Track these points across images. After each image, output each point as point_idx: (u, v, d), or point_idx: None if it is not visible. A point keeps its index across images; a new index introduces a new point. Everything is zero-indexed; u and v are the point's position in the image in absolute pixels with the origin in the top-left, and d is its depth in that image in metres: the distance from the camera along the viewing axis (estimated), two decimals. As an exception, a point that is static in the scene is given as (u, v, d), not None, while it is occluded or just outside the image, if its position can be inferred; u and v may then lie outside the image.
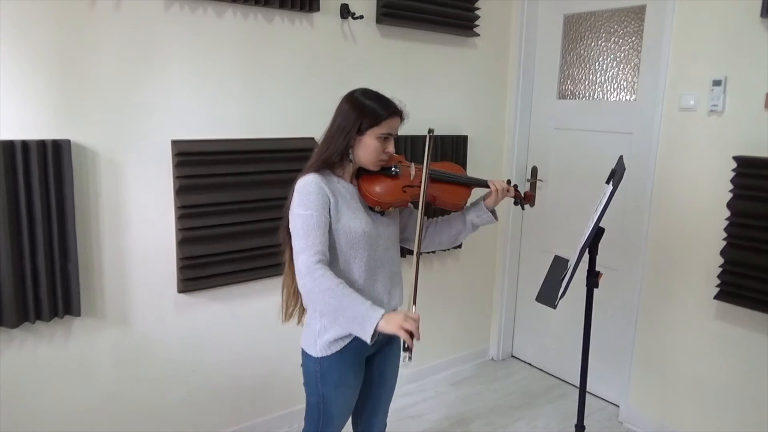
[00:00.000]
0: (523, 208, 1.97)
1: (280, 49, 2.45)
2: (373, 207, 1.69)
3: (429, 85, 2.97)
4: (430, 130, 1.72)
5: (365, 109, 1.60)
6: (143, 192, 2.22)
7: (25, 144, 1.89)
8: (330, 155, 1.62)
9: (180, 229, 2.28)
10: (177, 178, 2.24)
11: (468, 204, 1.86)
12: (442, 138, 3.00)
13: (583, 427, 2.08)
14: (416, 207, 1.72)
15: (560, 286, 1.85)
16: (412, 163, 1.76)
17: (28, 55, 1.91)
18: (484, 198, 1.83)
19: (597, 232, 1.87)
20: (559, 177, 3.25)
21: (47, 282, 1.98)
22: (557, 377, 3.37)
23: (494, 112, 3.32)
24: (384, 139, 1.62)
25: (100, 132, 2.09)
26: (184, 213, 2.27)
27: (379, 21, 2.70)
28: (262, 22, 2.38)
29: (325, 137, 1.65)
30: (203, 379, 2.49)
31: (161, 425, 2.41)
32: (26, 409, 2.09)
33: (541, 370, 3.47)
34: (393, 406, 3.05)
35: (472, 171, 3.16)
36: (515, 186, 1.87)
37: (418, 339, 1.44)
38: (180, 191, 2.25)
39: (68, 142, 1.98)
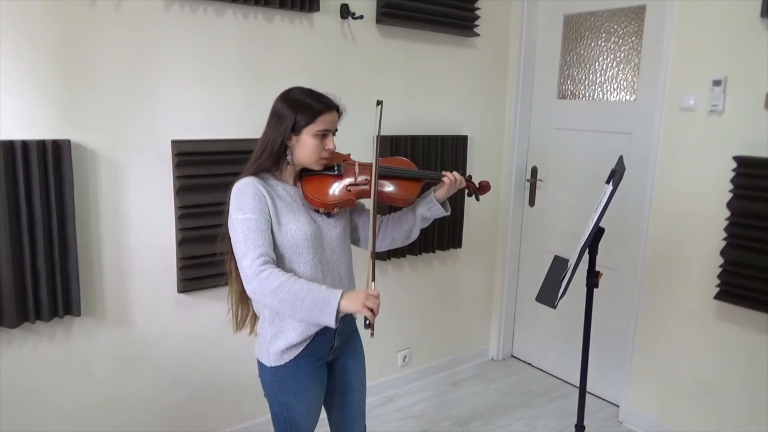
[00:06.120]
0: (477, 199, 1.88)
1: (280, 49, 2.45)
2: (318, 209, 1.62)
3: (429, 85, 2.97)
4: (379, 101, 1.64)
5: (299, 105, 1.54)
6: (143, 192, 2.22)
7: (25, 144, 1.89)
8: (266, 158, 1.57)
9: (180, 229, 2.28)
10: (177, 178, 2.24)
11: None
12: (443, 138, 3.00)
13: (583, 427, 2.08)
14: (366, 205, 1.65)
15: (560, 286, 1.85)
16: (357, 161, 1.70)
17: (28, 55, 1.91)
18: (435, 189, 1.75)
19: (597, 232, 1.87)
20: (559, 177, 3.25)
21: (47, 282, 1.98)
22: (557, 377, 3.37)
23: (494, 112, 3.32)
24: (322, 136, 1.57)
25: (100, 132, 2.09)
26: (184, 213, 2.27)
27: (379, 21, 2.70)
28: (262, 22, 2.38)
29: (262, 139, 1.59)
30: (203, 379, 2.49)
31: (161, 425, 2.41)
32: (26, 409, 2.09)
33: (541, 370, 3.47)
34: (393, 406, 3.09)
35: (473, 171, 3.17)
36: (469, 177, 1.81)
37: (376, 314, 1.42)
38: (180, 191, 2.25)
39: (68, 142, 1.98)
